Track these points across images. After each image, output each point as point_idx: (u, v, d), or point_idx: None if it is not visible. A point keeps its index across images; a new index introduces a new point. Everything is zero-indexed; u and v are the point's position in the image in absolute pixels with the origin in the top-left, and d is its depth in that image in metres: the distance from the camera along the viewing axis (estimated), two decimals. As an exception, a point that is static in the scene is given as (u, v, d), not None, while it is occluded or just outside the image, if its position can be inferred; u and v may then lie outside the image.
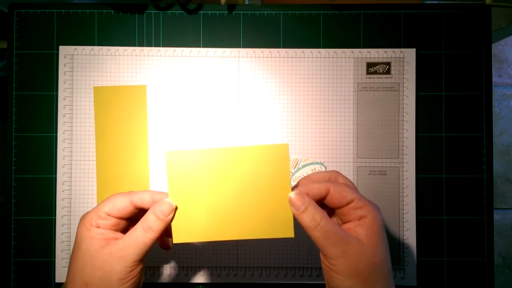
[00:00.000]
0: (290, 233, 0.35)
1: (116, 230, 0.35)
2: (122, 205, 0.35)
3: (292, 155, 0.48)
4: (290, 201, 0.34)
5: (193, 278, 0.47)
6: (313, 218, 0.32)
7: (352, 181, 0.37)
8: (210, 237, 0.35)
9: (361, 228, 0.32)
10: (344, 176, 0.37)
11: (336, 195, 0.34)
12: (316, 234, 0.32)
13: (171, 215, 0.34)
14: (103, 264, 0.33)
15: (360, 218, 0.33)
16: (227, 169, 0.34)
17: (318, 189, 0.34)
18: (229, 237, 0.35)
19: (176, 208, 0.35)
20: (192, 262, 0.47)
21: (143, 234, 0.33)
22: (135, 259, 0.33)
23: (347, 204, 0.33)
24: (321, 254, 0.33)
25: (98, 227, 0.34)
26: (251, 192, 0.35)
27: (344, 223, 0.34)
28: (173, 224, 0.35)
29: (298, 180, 0.37)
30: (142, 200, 0.35)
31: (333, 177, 0.36)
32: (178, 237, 0.35)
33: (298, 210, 0.33)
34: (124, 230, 0.36)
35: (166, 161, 0.34)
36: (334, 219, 0.36)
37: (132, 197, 0.35)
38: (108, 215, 0.35)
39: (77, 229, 0.35)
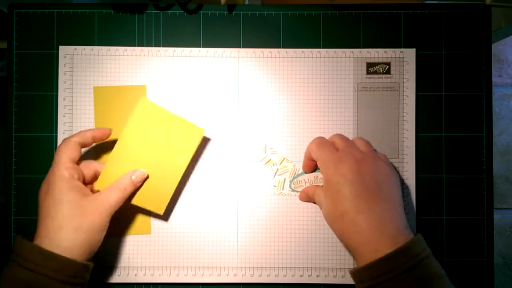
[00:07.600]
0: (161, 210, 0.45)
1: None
2: (74, 148, 0.42)
3: (292, 159, 0.48)
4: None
5: (193, 278, 0.47)
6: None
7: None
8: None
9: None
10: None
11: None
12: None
13: (141, 182, 0.43)
14: (92, 213, 0.39)
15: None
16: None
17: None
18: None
19: (147, 177, 0.44)
20: (192, 262, 0.47)
21: (120, 192, 0.41)
22: (113, 211, 0.41)
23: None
24: None
25: (73, 177, 0.41)
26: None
27: None
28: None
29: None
30: (85, 138, 0.43)
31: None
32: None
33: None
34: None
35: None
36: None
37: (77, 139, 0.42)
38: (73, 162, 0.41)
39: (54, 184, 0.40)
